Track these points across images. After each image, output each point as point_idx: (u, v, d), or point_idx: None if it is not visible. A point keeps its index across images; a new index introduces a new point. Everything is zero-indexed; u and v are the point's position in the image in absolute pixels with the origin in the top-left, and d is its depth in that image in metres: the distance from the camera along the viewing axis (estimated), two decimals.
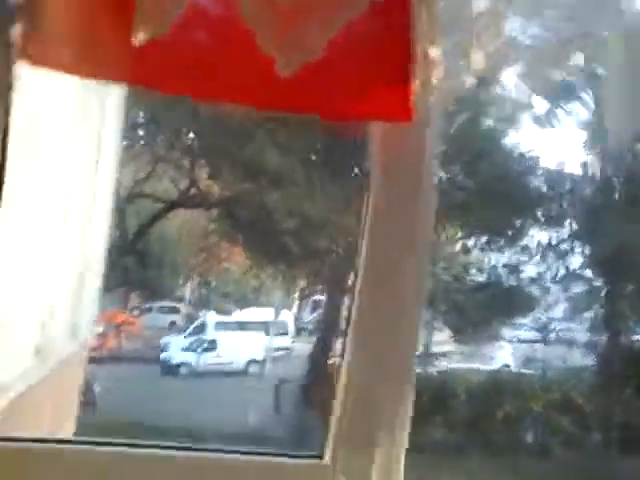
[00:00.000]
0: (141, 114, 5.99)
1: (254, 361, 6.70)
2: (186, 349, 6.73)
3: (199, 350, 6.70)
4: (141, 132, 6.24)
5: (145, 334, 6.95)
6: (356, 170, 6.17)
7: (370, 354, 1.46)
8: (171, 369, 6.51)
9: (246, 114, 4.96)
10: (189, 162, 6.33)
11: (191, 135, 6.35)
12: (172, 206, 6.47)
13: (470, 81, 1.24)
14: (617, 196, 6.37)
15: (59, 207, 2.29)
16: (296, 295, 7.36)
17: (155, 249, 6.99)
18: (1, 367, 2.21)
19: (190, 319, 7.25)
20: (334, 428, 1.43)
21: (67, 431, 3.46)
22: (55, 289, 2.42)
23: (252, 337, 6.82)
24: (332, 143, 5.85)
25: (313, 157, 6.35)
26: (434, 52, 1.13)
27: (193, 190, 6.38)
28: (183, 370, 6.55)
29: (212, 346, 6.73)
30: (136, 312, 7.24)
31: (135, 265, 6.75)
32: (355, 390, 1.44)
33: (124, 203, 6.00)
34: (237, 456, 1.47)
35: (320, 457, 1.43)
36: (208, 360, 6.64)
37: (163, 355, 6.63)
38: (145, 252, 6.87)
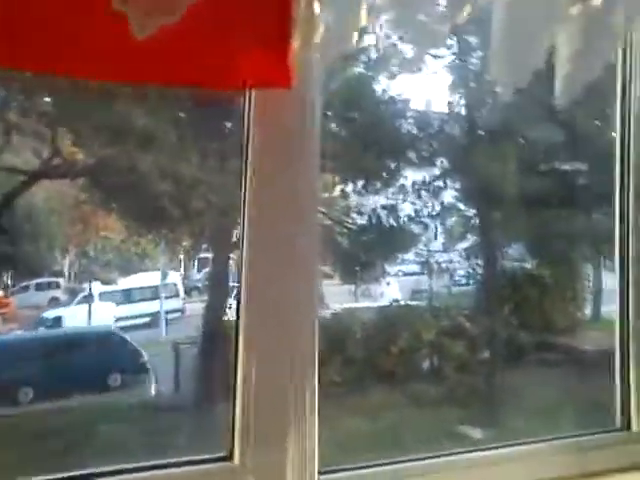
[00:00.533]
0: None
1: None
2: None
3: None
4: None
5: (22, 314, 6.56)
6: (229, 127, 6.06)
7: (266, 337, 1.36)
8: None
9: None
10: (49, 129, 5.92)
11: (47, 99, 5.91)
12: (35, 177, 6.07)
13: (356, 38, 1.20)
14: (481, 133, 6.77)
15: None
16: (181, 256, 7.23)
17: (23, 225, 6.55)
18: None
19: (73, 293, 6.92)
20: (239, 425, 1.36)
21: None
22: None
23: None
24: (202, 101, 5.69)
25: (182, 115, 6.15)
26: (316, 9, 1.06)
27: (57, 160, 6.01)
28: None
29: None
30: (9, 293, 6.82)
31: (2, 243, 6.31)
32: (256, 381, 1.37)
33: None
34: (141, 474, 1.42)
35: (228, 458, 1.37)
36: None
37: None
38: (12, 229, 6.43)
